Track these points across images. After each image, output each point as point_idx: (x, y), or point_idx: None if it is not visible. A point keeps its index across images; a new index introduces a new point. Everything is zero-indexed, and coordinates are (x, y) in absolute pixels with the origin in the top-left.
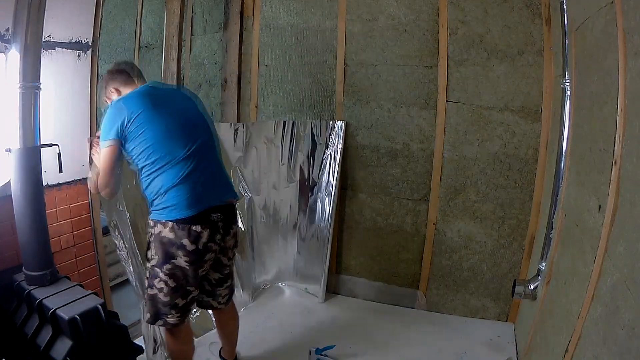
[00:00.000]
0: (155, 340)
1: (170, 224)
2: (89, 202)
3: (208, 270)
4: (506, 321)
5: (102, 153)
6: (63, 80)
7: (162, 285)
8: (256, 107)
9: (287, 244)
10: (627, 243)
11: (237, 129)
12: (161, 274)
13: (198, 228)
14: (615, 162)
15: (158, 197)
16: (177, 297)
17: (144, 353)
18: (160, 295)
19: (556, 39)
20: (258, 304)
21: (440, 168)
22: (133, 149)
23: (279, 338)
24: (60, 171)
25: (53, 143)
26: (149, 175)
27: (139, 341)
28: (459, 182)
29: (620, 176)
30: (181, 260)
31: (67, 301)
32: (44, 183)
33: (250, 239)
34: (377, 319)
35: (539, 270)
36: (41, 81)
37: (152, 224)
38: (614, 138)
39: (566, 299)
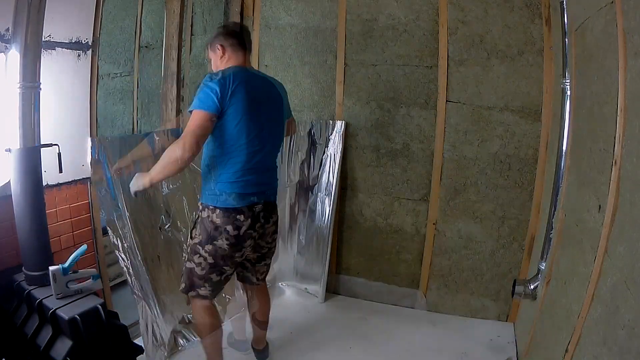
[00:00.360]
0: (155, 339)
1: (217, 210)
2: (89, 202)
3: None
4: (506, 321)
5: (196, 119)
6: (63, 80)
7: (200, 260)
8: None
9: (287, 244)
10: (627, 243)
11: None
12: (202, 252)
13: (241, 217)
14: (615, 162)
15: (212, 183)
16: (212, 273)
17: (144, 353)
18: (197, 270)
19: (556, 39)
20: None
21: (440, 168)
22: (214, 131)
23: (279, 338)
24: (60, 171)
25: (53, 143)
26: (211, 159)
27: (139, 341)
28: (459, 182)
29: (620, 176)
30: (222, 243)
31: (67, 301)
32: (44, 183)
33: None
34: (377, 319)
35: (539, 270)
36: (41, 81)
37: (200, 207)
38: (614, 138)
39: (566, 299)
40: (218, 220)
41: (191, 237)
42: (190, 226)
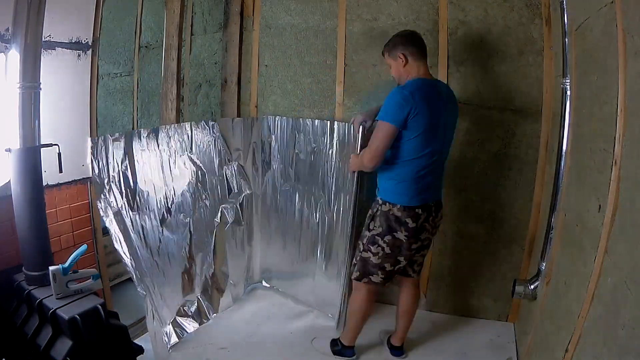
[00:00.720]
0: (159, 332)
1: (398, 205)
2: (89, 202)
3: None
4: (506, 321)
5: (382, 132)
6: (63, 80)
7: (378, 250)
8: (256, 107)
9: (283, 243)
10: (627, 243)
11: (236, 124)
12: (380, 242)
13: (420, 211)
14: (615, 162)
15: (391, 181)
16: (386, 262)
17: (146, 350)
18: (373, 259)
19: (556, 39)
20: (251, 301)
21: None
22: (401, 139)
23: (279, 337)
24: (60, 171)
25: (53, 143)
26: (392, 161)
27: (139, 341)
28: (459, 182)
29: (620, 176)
30: (401, 235)
31: (67, 301)
32: (44, 183)
33: (248, 235)
34: (377, 319)
35: (539, 270)
36: (41, 81)
37: (380, 201)
38: (614, 138)
39: (566, 299)
40: (399, 214)
41: (368, 229)
42: (368, 219)
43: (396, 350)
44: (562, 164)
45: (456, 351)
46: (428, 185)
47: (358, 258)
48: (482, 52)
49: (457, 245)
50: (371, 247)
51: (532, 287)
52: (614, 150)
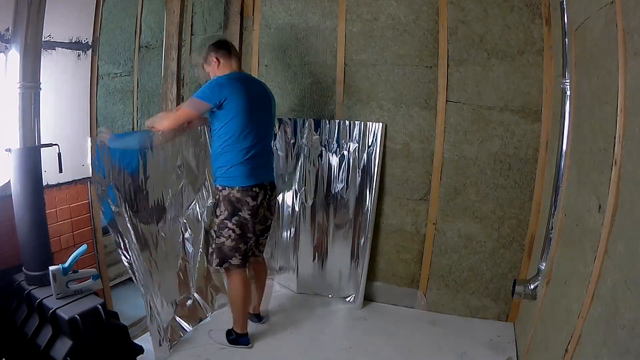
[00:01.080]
0: (159, 332)
1: (237, 187)
2: (89, 202)
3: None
4: (506, 321)
5: (187, 106)
6: (63, 80)
7: (229, 233)
8: None
9: (279, 235)
10: (627, 243)
11: None
12: (230, 225)
13: (257, 189)
14: (615, 162)
15: (224, 168)
16: (240, 243)
17: (146, 350)
18: (227, 242)
19: (556, 39)
20: None
21: (440, 168)
22: (218, 123)
23: (278, 338)
24: (60, 171)
25: (53, 143)
26: (221, 148)
27: (139, 341)
28: (459, 182)
29: (620, 176)
30: (245, 214)
31: (67, 301)
32: (44, 183)
33: None
34: (377, 319)
35: (539, 270)
36: (41, 81)
37: (220, 188)
38: (614, 138)
39: (566, 299)
40: (239, 195)
41: (216, 216)
42: (213, 207)
43: (257, 317)
44: (562, 164)
45: (456, 351)
46: (258, 166)
47: (214, 246)
48: (482, 52)
49: (457, 245)
50: (223, 232)
51: (532, 287)
52: (614, 150)
